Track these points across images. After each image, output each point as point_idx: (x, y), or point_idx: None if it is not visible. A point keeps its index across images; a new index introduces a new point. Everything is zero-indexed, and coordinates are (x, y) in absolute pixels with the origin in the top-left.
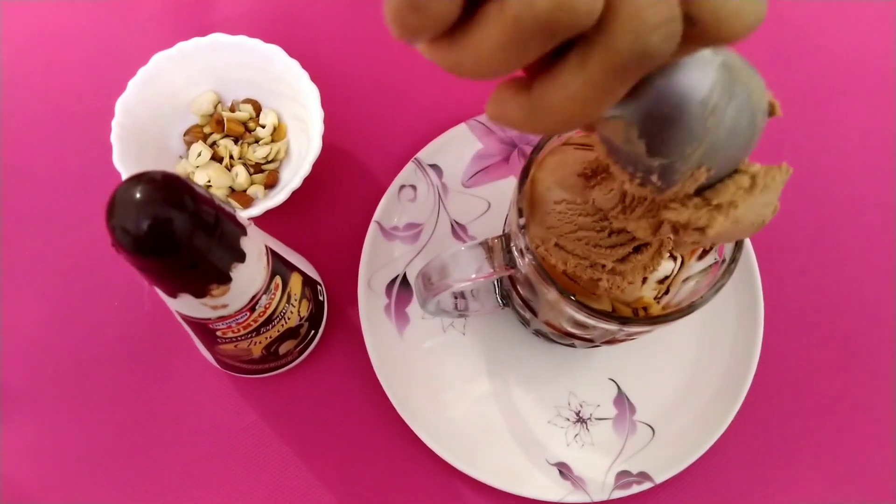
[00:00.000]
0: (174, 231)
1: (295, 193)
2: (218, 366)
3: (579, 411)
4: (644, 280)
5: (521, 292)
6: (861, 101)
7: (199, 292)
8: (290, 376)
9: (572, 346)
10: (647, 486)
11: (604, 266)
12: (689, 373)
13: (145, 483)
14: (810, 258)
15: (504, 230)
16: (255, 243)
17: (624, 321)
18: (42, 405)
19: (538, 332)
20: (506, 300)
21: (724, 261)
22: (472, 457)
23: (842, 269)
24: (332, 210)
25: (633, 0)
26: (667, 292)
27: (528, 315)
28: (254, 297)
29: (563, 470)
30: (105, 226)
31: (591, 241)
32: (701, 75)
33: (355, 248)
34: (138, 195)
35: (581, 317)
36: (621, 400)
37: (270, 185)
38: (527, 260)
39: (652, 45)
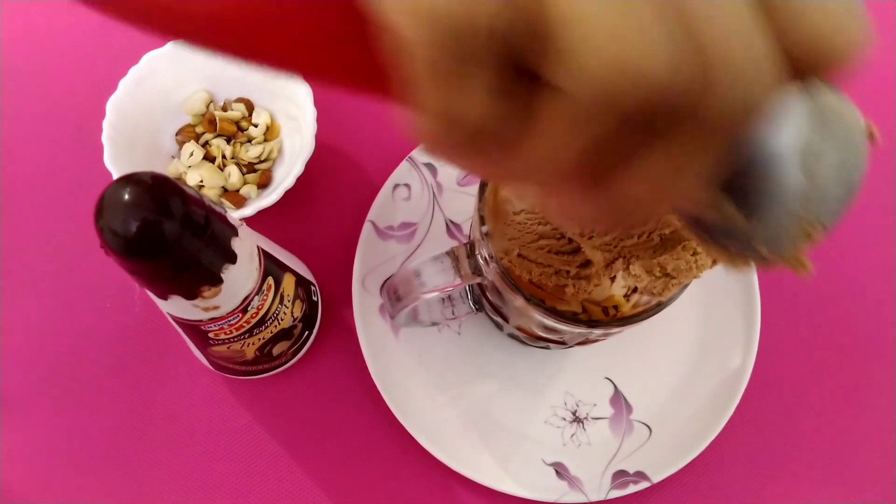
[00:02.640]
0: (163, 233)
1: (288, 193)
2: (211, 367)
3: (576, 411)
4: (612, 279)
5: (491, 299)
6: (861, 100)
7: (190, 294)
8: (284, 377)
9: (546, 348)
10: (643, 485)
11: (568, 272)
12: (686, 372)
13: (139, 484)
14: (809, 256)
15: (469, 238)
16: (247, 244)
17: (592, 324)
18: (34, 408)
19: (512, 336)
20: (478, 305)
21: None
22: (468, 457)
23: (840, 268)
24: (325, 209)
25: (729, 57)
26: (636, 290)
27: (499, 321)
28: (246, 299)
29: (560, 470)
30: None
31: (553, 248)
32: (791, 121)
33: (349, 247)
34: (127, 197)
35: (550, 321)
36: (618, 399)
37: (263, 184)
38: (492, 267)
39: (754, 108)
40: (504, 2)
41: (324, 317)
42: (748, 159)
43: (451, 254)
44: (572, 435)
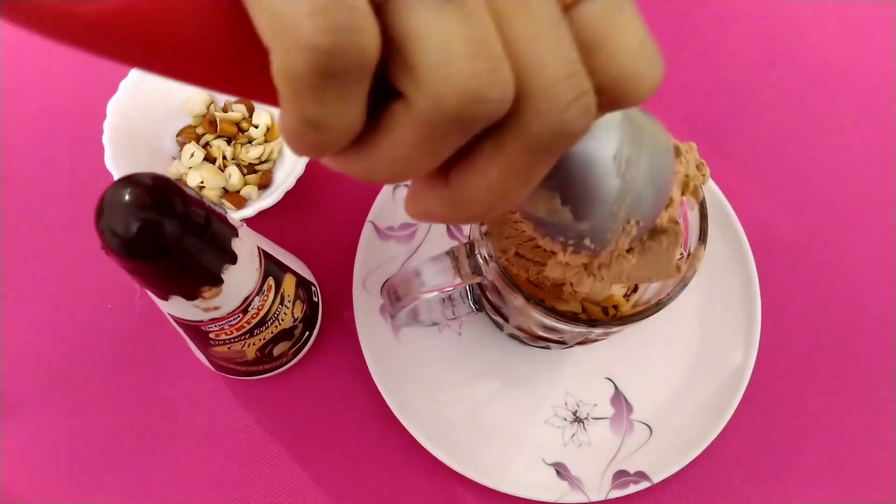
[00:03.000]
0: (163, 233)
1: (289, 194)
2: (212, 368)
3: (576, 411)
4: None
5: (491, 299)
6: (860, 100)
7: (191, 294)
8: (284, 378)
9: (547, 348)
10: (644, 485)
11: None
12: (687, 372)
13: (140, 485)
14: (808, 256)
15: (468, 238)
16: (247, 245)
17: (591, 323)
18: (36, 408)
19: (512, 336)
20: (478, 305)
21: (688, 255)
22: (469, 457)
23: (840, 268)
24: (326, 210)
25: (542, 81)
26: (636, 290)
27: (499, 320)
28: (246, 299)
29: (561, 470)
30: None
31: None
32: (607, 134)
33: (350, 248)
34: (127, 197)
35: (549, 321)
36: (618, 399)
37: (264, 185)
38: (491, 267)
39: (568, 124)
40: (364, 28)
41: (324, 317)
42: (575, 169)
43: (451, 253)
44: (573, 435)
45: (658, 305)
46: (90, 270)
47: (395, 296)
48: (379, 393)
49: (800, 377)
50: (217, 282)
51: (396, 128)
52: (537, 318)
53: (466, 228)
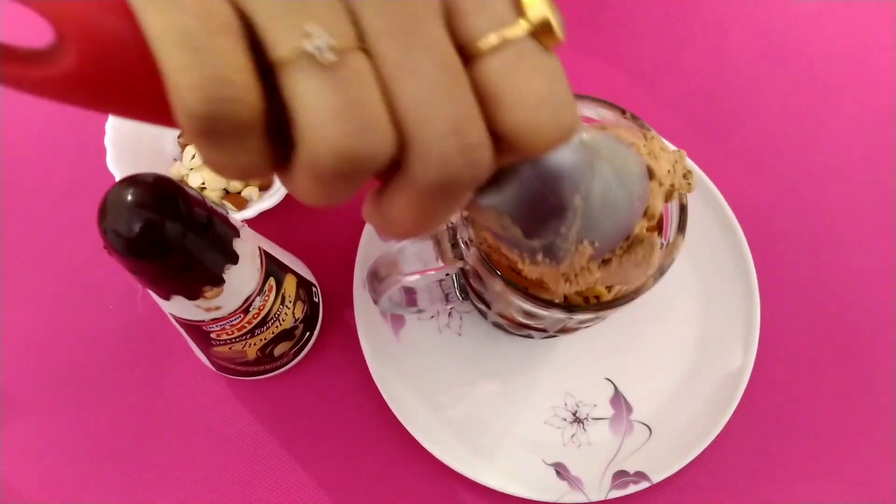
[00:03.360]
0: (166, 233)
1: (289, 195)
2: (213, 368)
3: (576, 411)
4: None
5: (474, 285)
6: (860, 100)
7: (192, 294)
8: (285, 378)
9: (529, 336)
10: (644, 485)
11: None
12: (686, 372)
13: (140, 485)
14: (808, 256)
15: (451, 222)
16: (249, 245)
17: (570, 309)
18: (38, 408)
19: (496, 325)
20: (464, 294)
21: (668, 244)
22: (469, 457)
23: (840, 266)
24: (326, 211)
25: (423, 135)
26: None
27: (483, 308)
28: (247, 299)
29: (560, 470)
30: (97, 229)
31: None
32: (558, 158)
33: (350, 249)
34: (130, 197)
35: (528, 306)
36: (618, 400)
37: (265, 186)
38: (472, 251)
39: (452, 174)
40: (241, 98)
41: (325, 318)
42: (522, 192)
43: (434, 237)
44: (572, 435)
45: (636, 293)
46: (92, 271)
47: (377, 278)
48: (379, 393)
49: (799, 378)
50: (218, 282)
51: (297, 172)
52: (517, 304)
53: None
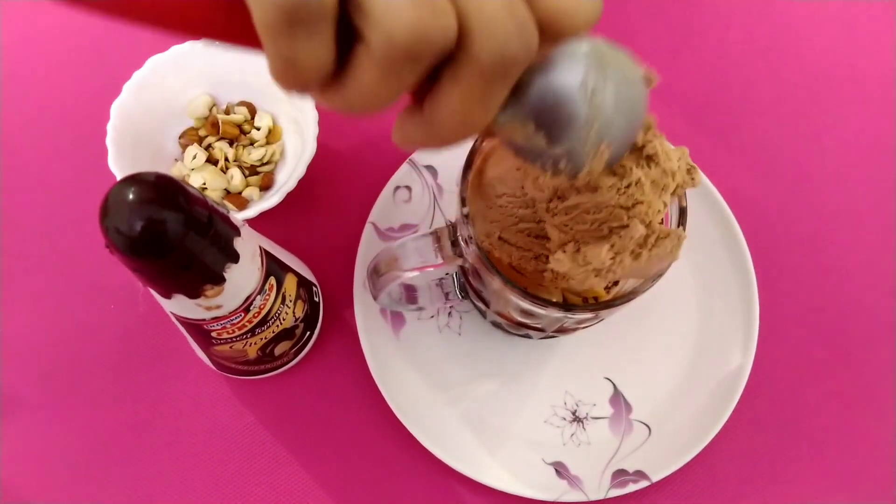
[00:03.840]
0: (167, 232)
1: (290, 195)
2: (213, 367)
3: (575, 410)
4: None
5: (473, 283)
6: (860, 99)
7: (193, 293)
8: (285, 377)
9: (528, 336)
10: (643, 484)
11: (546, 257)
12: (685, 371)
13: (140, 484)
14: (807, 256)
15: (452, 219)
16: (249, 244)
17: (567, 308)
18: (38, 408)
19: (495, 324)
20: (464, 292)
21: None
22: (469, 456)
23: (839, 267)
24: (327, 211)
25: (484, 16)
26: (616, 283)
27: (482, 306)
28: (248, 298)
29: (560, 469)
30: (99, 227)
31: (532, 232)
32: (572, 65)
33: (350, 248)
34: (131, 196)
35: (526, 305)
36: (617, 399)
37: (265, 186)
38: (472, 249)
39: (511, 54)
40: None
41: (325, 317)
42: (545, 98)
43: (434, 234)
44: (572, 434)
45: (633, 293)
46: (93, 270)
47: (377, 274)
48: (379, 392)
49: (798, 377)
50: (219, 280)
51: (361, 65)
52: (515, 303)
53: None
